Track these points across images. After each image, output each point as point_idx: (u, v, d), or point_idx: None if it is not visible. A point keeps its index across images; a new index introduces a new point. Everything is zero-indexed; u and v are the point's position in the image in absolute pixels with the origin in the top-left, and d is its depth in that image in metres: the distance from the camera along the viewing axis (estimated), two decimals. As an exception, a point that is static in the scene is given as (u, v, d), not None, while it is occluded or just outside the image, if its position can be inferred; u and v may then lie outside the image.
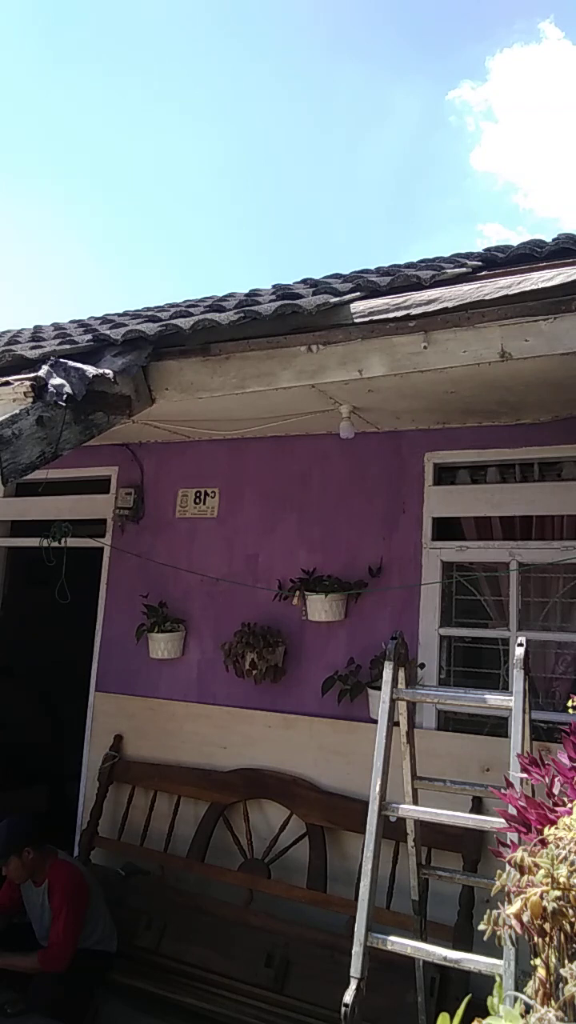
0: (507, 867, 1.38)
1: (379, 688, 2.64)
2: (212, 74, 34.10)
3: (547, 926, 1.24)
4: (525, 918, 1.25)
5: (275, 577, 4.29)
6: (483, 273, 3.06)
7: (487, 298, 2.60)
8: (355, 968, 2.19)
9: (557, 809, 1.51)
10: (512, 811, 1.60)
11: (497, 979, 1.40)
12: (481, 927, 1.36)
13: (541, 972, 1.22)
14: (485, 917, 1.35)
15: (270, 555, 4.39)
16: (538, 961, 1.25)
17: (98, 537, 4.93)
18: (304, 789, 3.94)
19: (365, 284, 3.06)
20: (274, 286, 3.86)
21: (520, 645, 2.41)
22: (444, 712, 3.80)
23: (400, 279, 3.01)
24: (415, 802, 2.70)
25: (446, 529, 4.03)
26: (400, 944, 2.23)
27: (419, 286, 2.92)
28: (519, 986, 1.59)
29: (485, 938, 1.35)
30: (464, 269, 3.17)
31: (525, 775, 1.80)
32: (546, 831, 1.39)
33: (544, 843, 1.37)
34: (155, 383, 3.24)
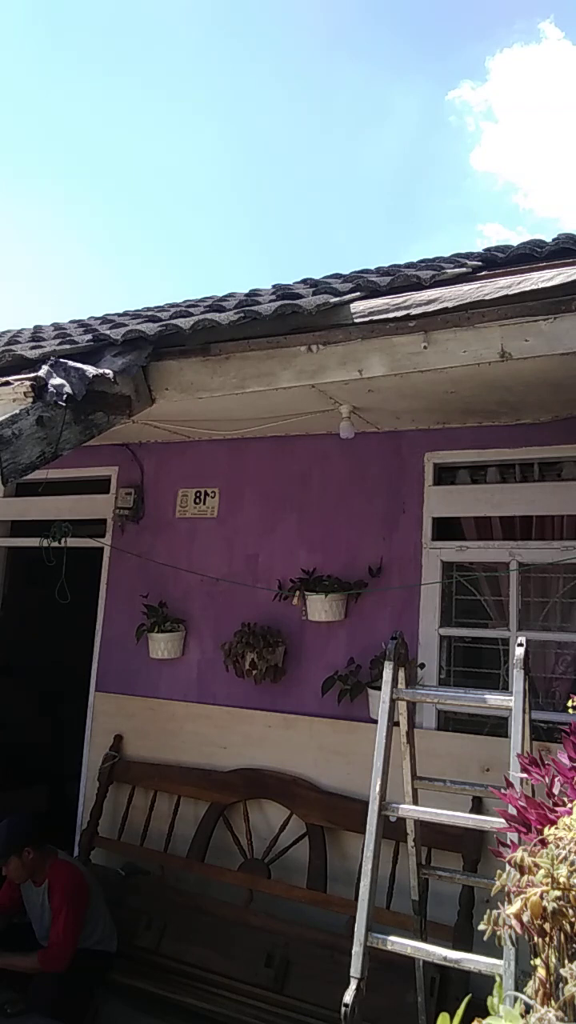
0: (507, 867, 1.38)
1: (379, 688, 2.64)
2: (212, 74, 34.11)
3: (547, 926, 1.24)
4: (525, 918, 1.25)
5: (275, 577, 4.29)
6: (483, 273, 3.06)
7: (487, 298, 2.60)
8: (355, 968, 2.19)
9: (557, 809, 1.51)
10: (512, 811, 1.60)
11: (497, 979, 1.39)
12: (481, 927, 1.36)
13: (541, 972, 1.22)
14: (485, 917, 1.35)
15: (270, 555, 4.39)
16: (538, 961, 1.25)
17: (98, 537, 4.93)
18: (304, 789, 3.94)
19: (365, 284, 3.07)
20: (274, 286, 3.86)
21: (520, 645, 2.41)
22: (444, 712, 3.80)
23: (400, 279, 3.01)
24: (415, 802, 2.70)
25: (446, 529, 4.03)
26: (400, 944, 2.23)
27: (419, 286, 2.92)
28: (519, 986, 1.58)
29: (485, 938, 1.35)
30: (464, 269, 3.18)
31: (525, 775, 1.80)
32: (546, 831, 1.39)
33: (544, 843, 1.37)
34: (155, 383, 3.24)
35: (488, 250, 3.64)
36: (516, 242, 3.63)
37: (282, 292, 3.21)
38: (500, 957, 1.93)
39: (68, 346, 3.16)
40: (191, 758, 4.34)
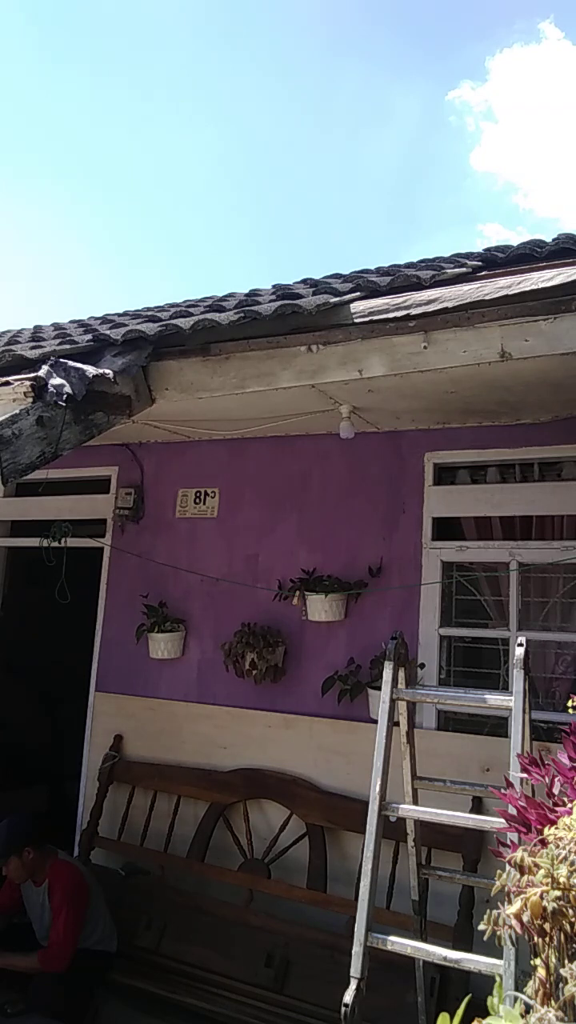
0: (507, 867, 1.38)
1: (379, 688, 2.64)
2: (212, 74, 34.11)
3: (547, 926, 1.24)
4: (525, 918, 1.25)
5: (275, 577, 4.29)
6: (483, 273, 3.06)
7: (487, 298, 2.60)
8: (355, 968, 2.19)
9: (557, 809, 1.51)
10: (512, 811, 1.60)
11: (497, 979, 1.40)
12: (481, 927, 1.36)
13: (541, 972, 1.22)
14: (485, 917, 1.35)
15: (270, 555, 4.39)
16: (538, 961, 1.25)
17: (98, 537, 4.93)
18: (304, 789, 3.94)
19: (365, 284, 3.07)
20: (274, 286, 3.86)
21: (520, 645, 2.41)
22: (444, 712, 3.80)
23: (400, 279, 3.01)
24: (415, 802, 2.70)
25: (446, 529, 4.03)
26: (400, 944, 2.23)
27: (419, 286, 2.92)
28: (519, 986, 1.58)
29: (485, 938, 1.35)
30: (464, 269, 3.18)
31: (525, 775, 1.80)
32: (546, 831, 1.39)
33: (544, 843, 1.37)
34: (155, 383, 3.24)
35: (488, 250, 3.64)
36: (516, 242, 3.63)
37: (282, 292, 3.21)
38: (500, 957, 1.93)
39: (68, 346, 3.16)
40: (191, 758, 4.34)
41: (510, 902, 1.30)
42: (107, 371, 2.90)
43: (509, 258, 3.27)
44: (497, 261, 3.33)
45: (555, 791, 1.62)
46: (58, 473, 4.69)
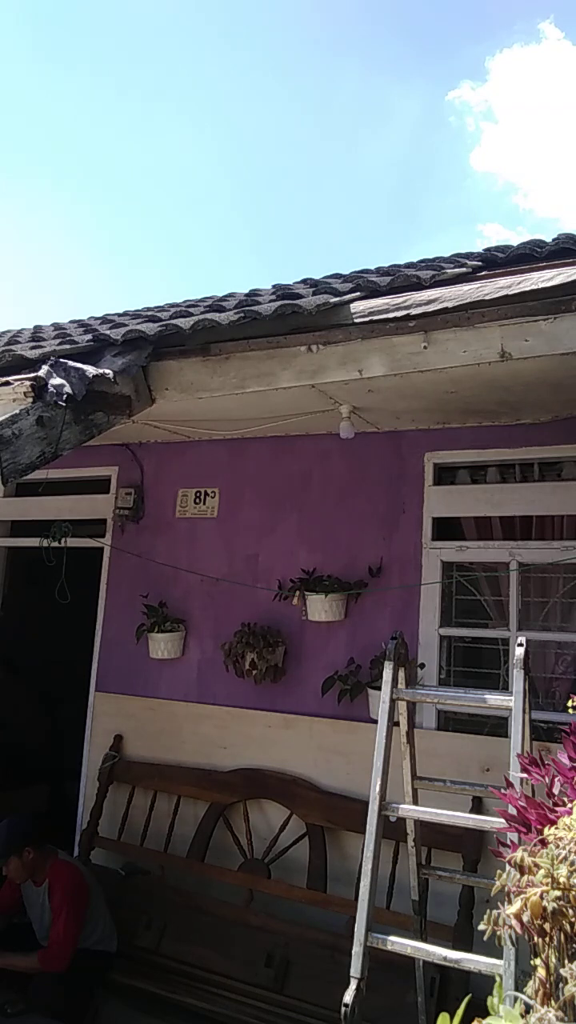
0: (507, 867, 1.38)
1: (379, 688, 2.64)
2: (211, 74, 34.11)
3: (547, 926, 1.24)
4: (525, 918, 1.25)
5: (275, 577, 4.29)
6: (483, 273, 3.06)
7: (487, 298, 2.60)
8: (355, 968, 2.19)
9: (557, 809, 1.51)
10: (512, 811, 1.60)
11: (497, 979, 1.40)
12: (481, 927, 1.36)
13: (541, 972, 1.22)
14: (485, 917, 1.35)
15: (270, 555, 4.39)
16: (538, 961, 1.25)
17: (98, 537, 4.93)
18: (304, 789, 3.94)
19: (365, 284, 3.07)
20: (274, 286, 3.86)
21: (520, 645, 2.41)
22: (444, 712, 3.80)
23: (400, 279, 3.01)
24: (415, 802, 2.71)
25: (446, 529, 4.03)
26: (400, 944, 2.23)
27: (419, 286, 2.92)
28: (519, 986, 1.59)
29: (485, 938, 1.35)
30: (464, 269, 3.18)
31: (525, 775, 1.80)
32: (546, 831, 1.39)
33: (544, 843, 1.37)
34: (155, 383, 3.24)
35: (488, 250, 3.64)
36: (516, 242, 3.63)
37: (282, 292, 3.21)
38: (500, 957, 1.94)
39: (68, 346, 3.16)
40: (191, 758, 4.34)
41: (510, 902, 1.30)
42: (107, 371, 2.90)
43: (509, 258, 3.27)
44: (497, 261, 3.33)
45: (555, 791, 1.63)
46: (58, 473, 4.69)
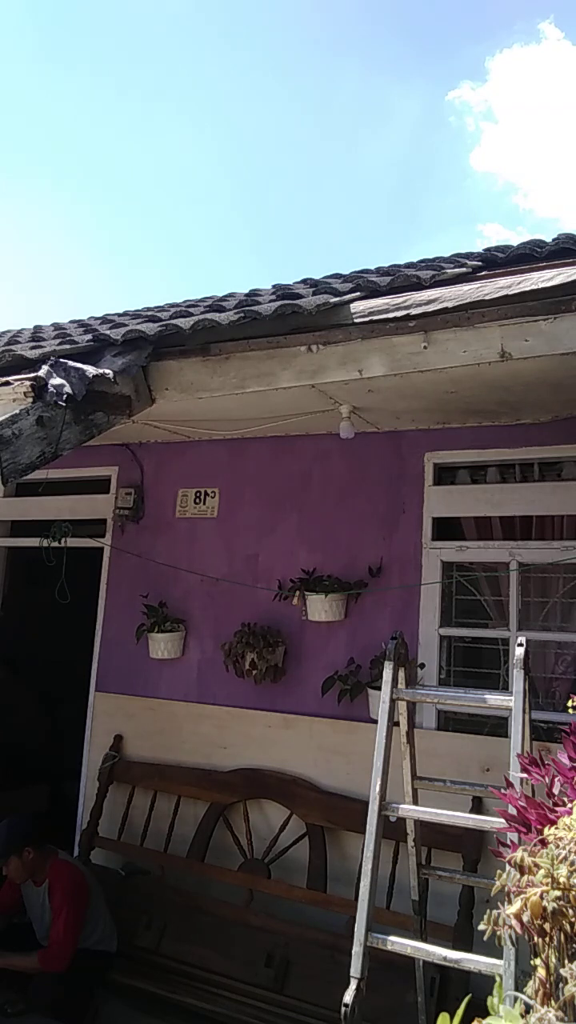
0: (507, 867, 1.38)
1: (379, 688, 2.64)
2: (211, 74, 34.11)
3: (547, 926, 1.24)
4: (525, 918, 1.25)
5: (275, 577, 4.29)
6: (483, 273, 3.06)
7: (487, 298, 2.60)
8: (355, 968, 2.19)
9: (557, 809, 1.51)
10: (512, 811, 1.60)
11: (497, 979, 1.40)
12: (481, 927, 1.36)
13: (541, 972, 1.22)
14: (485, 917, 1.35)
15: (270, 555, 4.39)
16: (538, 961, 1.25)
17: (98, 537, 4.93)
18: (304, 789, 3.94)
19: (365, 284, 3.06)
20: (274, 286, 3.86)
21: (520, 645, 2.41)
22: (444, 712, 3.80)
23: (400, 279, 3.01)
24: (415, 802, 2.70)
25: (446, 529, 4.03)
26: (400, 944, 2.23)
27: (419, 286, 2.92)
28: (519, 986, 1.59)
29: (485, 938, 1.35)
30: (464, 269, 3.18)
31: (525, 775, 1.80)
32: (546, 831, 1.39)
33: (544, 843, 1.37)
34: (155, 383, 3.24)
35: (488, 250, 3.64)
36: (516, 242, 3.63)
37: (282, 292, 3.21)
38: (500, 957, 1.93)
39: (68, 346, 3.16)
40: (191, 758, 4.34)
41: (510, 902, 1.30)
42: (107, 371, 2.90)
43: (509, 258, 3.27)
44: (497, 261, 3.33)
45: (555, 791, 1.63)
46: (58, 473, 4.69)
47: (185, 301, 4.46)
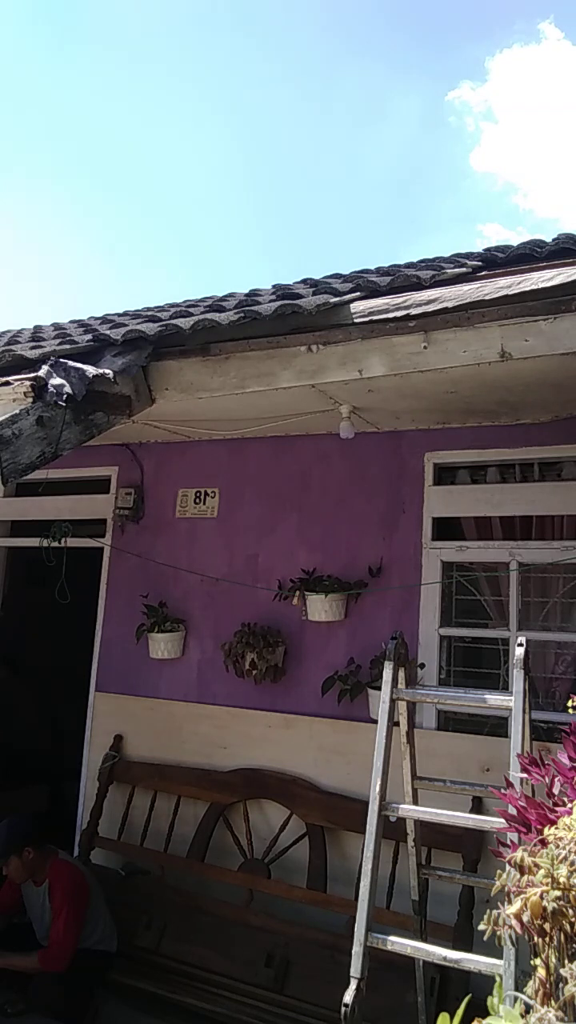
0: (507, 867, 1.38)
1: (379, 688, 2.64)
2: (212, 74, 34.13)
3: (547, 926, 1.24)
4: (525, 918, 1.25)
5: (275, 577, 4.29)
6: (483, 273, 3.06)
7: (487, 298, 2.60)
8: (355, 968, 2.19)
9: (557, 809, 1.51)
10: (512, 811, 1.60)
11: (497, 979, 1.40)
12: (481, 927, 1.36)
13: (541, 972, 1.22)
14: (485, 917, 1.35)
15: (270, 555, 4.39)
16: (538, 961, 1.25)
17: (98, 537, 4.93)
18: (304, 789, 3.94)
19: (365, 284, 3.06)
20: (274, 286, 3.86)
21: (520, 645, 2.41)
22: (444, 712, 3.80)
23: (400, 279, 3.01)
24: (415, 802, 2.70)
25: (446, 529, 4.03)
26: (400, 944, 2.23)
27: (419, 286, 2.92)
28: (519, 986, 1.58)
29: (485, 938, 1.35)
30: (464, 269, 3.18)
31: (525, 775, 1.80)
32: (546, 831, 1.39)
33: (544, 843, 1.37)
34: (155, 383, 3.24)
35: (488, 250, 3.64)
36: (516, 242, 3.63)
37: (282, 292, 3.21)
38: (500, 957, 1.93)
39: (68, 346, 3.16)
40: (191, 758, 4.34)
41: (510, 902, 1.30)
42: (107, 371, 2.90)
43: (509, 258, 3.27)
44: (497, 261, 3.33)
45: (555, 791, 1.63)
46: (58, 473, 4.69)
47: (185, 301, 4.47)
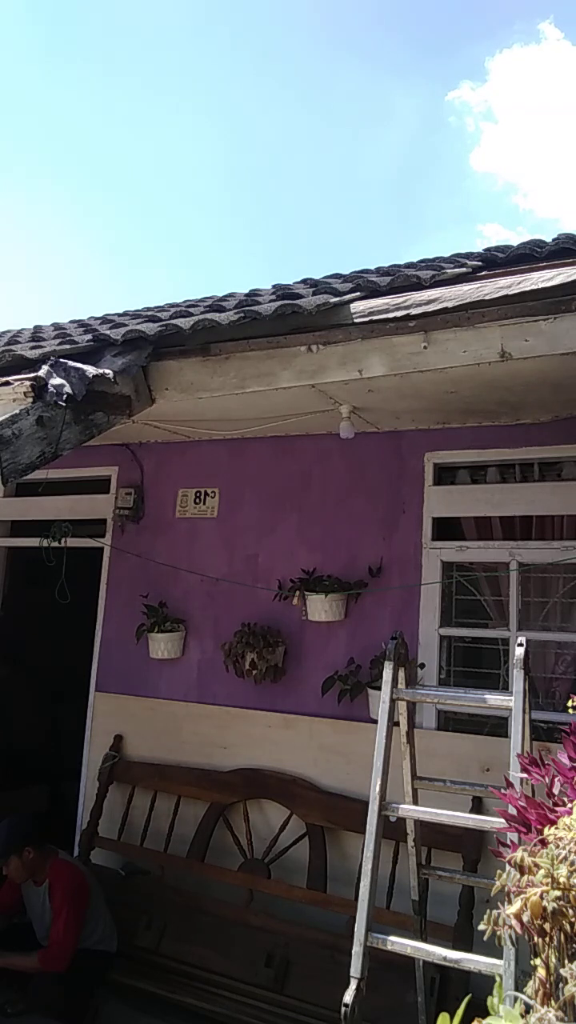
0: (507, 867, 1.38)
1: (379, 688, 2.64)
2: (212, 74, 34.10)
3: (547, 926, 1.24)
4: (525, 918, 1.25)
5: (275, 577, 4.29)
6: (483, 273, 3.06)
7: (487, 298, 2.60)
8: (355, 968, 2.19)
9: (557, 809, 1.51)
10: (512, 811, 1.60)
11: (497, 979, 1.40)
12: (481, 927, 1.36)
13: (541, 972, 1.22)
14: (485, 917, 1.35)
15: (270, 555, 4.39)
16: (538, 961, 1.25)
17: (98, 537, 4.93)
18: (304, 789, 3.94)
19: (365, 284, 3.07)
20: (274, 286, 3.86)
21: (520, 645, 2.41)
22: (444, 712, 3.80)
23: (400, 279, 3.01)
24: (415, 802, 2.70)
25: (446, 529, 4.03)
26: (400, 944, 2.23)
27: (419, 286, 2.92)
28: (519, 986, 1.58)
29: (485, 938, 1.35)
30: (464, 269, 3.18)
31: (525, 775, 1.81)
32: (546, 831, 1.39)
33: (544, 843, 1.37)
34: (155, 383, 3.24)
35: (488, 250, 3.64)
36: (516, 242, 3.63)
37: (282, 292, 3.22)
38: (500, 957, 1.93)
39: (68, 346, 3.16)
40: (191, 758, 4.34)
41: (510, 902, 1.30)
42: (107, 371, 2.90)
43: (509, 258, 3.27)
44: (497, 261, 3.33)
45: (555, 791, 1.63)
46: (58, 473, 4.69)
47: (185, 301, 4.47)
